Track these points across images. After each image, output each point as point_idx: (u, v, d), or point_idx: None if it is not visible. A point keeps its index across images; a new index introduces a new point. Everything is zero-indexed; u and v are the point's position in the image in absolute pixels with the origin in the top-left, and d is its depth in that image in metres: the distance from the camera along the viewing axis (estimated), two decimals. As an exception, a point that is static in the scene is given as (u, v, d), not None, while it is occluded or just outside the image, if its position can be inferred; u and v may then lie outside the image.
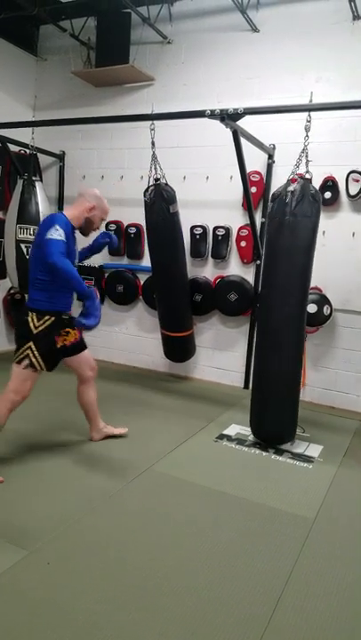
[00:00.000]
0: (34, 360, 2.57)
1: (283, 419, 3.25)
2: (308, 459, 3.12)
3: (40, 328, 2.57)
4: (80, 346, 2.87)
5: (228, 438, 3.35)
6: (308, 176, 3.21)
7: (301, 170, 3.24)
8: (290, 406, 3.25)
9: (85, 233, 2.81)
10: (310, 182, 3.23)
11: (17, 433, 3.16)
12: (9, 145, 4.45)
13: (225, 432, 3.45)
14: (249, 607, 1.78)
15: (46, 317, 2.59)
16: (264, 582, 1.92)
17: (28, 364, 2.56)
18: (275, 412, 3.24)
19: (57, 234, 2.50)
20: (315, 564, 2.06)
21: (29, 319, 2.57)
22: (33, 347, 2.56)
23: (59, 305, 2.66)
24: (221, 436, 3.37)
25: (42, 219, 4.20)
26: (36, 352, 2.56)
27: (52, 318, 2.60)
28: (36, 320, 2.57)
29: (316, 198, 3.19)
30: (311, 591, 1.89)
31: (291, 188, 3.14)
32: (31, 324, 2.56)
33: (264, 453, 3.14)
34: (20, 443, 3.03)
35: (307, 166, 3.22)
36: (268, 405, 3.24)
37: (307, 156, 3.22)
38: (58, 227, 2.52)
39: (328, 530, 2.33)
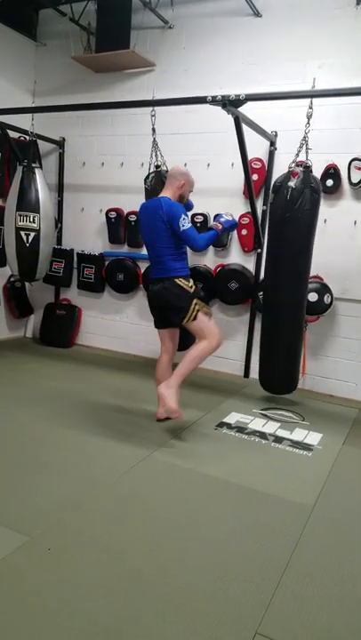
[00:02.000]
0: (205, 310, 3.05)
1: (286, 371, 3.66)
2: (307, 446, 3.13)
3: (192, 286, 3.04)
4: None
5: (228, 426, 3.36)
6: (302, 169, 3.20)
7: (302, 157, 3.23)
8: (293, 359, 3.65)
9: None
10: (311, 171, 3.23)
11: (18, 420, 3.18)
12: (8, 131, 4.41)
13: (225, 420, 3.46)
14: (247, 594, 1.79)
15: (190, 279, 3.08)
16: (263, 569, 1.93)
17: (205, 314, 3.04)
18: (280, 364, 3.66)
19: (186, 222, 2.96)
20: (313, 551, 2.08)
21: (181, 284, 3.01)
22: (198, 301, 3.02)
23: (189, 270, 3.17)
24: (221, 424, 3.38)
25: (42, 206, 4.24)
26: (201, 303, 3.04)
27: (192, 279, 3.10)
28: (185, 282, 3.03)
29: (317, 190, 3.21)
30: (309, 578, 1.90)
31: (291, 184, 3.15)
32: (185, 287, 3.02)
33: (263, 441, 3.16)
34: (20, 430, 3.04)
35: (307, 155, 3.20)
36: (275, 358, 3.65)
37: (307, 144, 3.21)
38: (183, 215, 2.95)
39: (327, 517, 2.34)
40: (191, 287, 3.03)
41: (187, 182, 3.12)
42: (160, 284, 3.07)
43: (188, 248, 3.17)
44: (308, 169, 3.21)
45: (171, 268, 3.05)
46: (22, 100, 4.96)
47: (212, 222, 3.24)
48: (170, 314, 3.11)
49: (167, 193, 3.09)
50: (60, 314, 5.26)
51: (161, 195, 3.11)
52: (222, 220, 3.17)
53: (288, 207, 3.19)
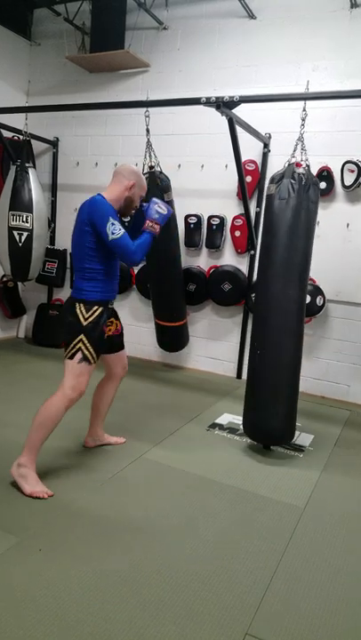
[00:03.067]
0: (87, 353, 2.42)
1: (282, 418, 2.98)
2: (299, 448, 3.14)
3: (90, 319, 2.42)
4: (121, 342, 2.77)
5: (220, 427, 3.36)
6: (304, 165, 3.20)
7: (296, 159, 3.23)
8: (289, 404, 3.00)
9: (125, 213, 2.57)
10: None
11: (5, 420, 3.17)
12: (2, 131, 4.39)
13: (217, 421, 3.46)
14: (238, 595, 1.79)
15: (95, 308, 2.44)
16: (253, 570, 1.93)
17: (82, 359, 2.41)
18: (273, 411, 2.96)
19: (116, 229, 2.33)
20: (303, 553, 2.08)
21: (77, 311, 2.42)
22: (84, 339, 2.42)
23: (106, 294, 2.51)
24: (213, 425, 3.38)
25: (35, 205, 4.23)
26: (88, 344, 2.42)
27: (101, 308, 2.46)
28: (84, 311, 2.42)
29: (318, 184, 3.19)
30: (299, 580, 1.91)
31: (301, 171, 3.11)
32: (80, 316, 2.42)
33: (255, 442, 3.16)
34: (12, 430, 3.03)
35: (302, 155, 3.20)
36: (266, 403, 2.97)
37: (303, 146, 3.20)
38: (112, 219, 2.33)
39: (317, 519, 2.35)
40: (87, 319, 2.41)
41: (137, 184, 2.50)
42: (66, 301, 2.54)
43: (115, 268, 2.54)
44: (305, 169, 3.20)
45: (77, 286, 2.47)
46: (16, 100, 4.94)
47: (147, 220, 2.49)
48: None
49: (108, 193, 2.46)
50: (53, 314, 5.24)
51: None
52: (156, 216, 2.50)
53: (300, 194, 2.95)
